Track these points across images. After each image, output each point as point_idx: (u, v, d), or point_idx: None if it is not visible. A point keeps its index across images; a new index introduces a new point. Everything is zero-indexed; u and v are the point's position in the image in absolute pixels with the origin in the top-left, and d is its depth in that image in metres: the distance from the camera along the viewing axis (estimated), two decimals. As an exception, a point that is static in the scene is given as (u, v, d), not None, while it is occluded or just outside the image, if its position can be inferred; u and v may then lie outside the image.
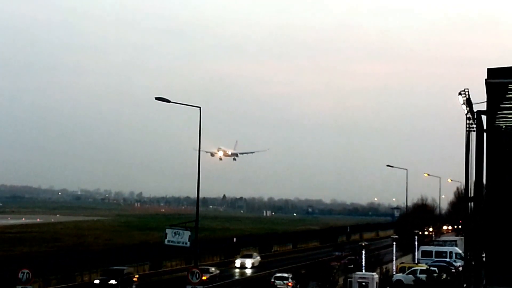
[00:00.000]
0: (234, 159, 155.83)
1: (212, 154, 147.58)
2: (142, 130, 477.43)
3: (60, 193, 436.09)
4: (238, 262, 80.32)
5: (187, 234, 38.43)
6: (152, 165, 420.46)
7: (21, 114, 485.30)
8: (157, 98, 40.02)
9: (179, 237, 38.48)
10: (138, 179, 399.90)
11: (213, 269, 65.90)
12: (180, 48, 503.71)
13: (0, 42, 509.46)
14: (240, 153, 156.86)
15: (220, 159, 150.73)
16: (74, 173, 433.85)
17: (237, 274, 76.11)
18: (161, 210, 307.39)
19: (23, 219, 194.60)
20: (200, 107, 40.59)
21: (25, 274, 37.20)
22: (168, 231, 38.75)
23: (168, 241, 38.69)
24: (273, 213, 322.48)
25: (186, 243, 38.39)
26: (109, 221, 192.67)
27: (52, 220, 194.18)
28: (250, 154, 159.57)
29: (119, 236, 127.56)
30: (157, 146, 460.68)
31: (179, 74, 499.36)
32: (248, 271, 77.86)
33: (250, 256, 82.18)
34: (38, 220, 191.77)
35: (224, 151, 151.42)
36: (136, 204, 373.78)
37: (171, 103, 40.45)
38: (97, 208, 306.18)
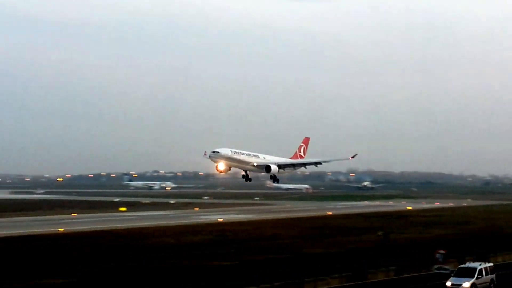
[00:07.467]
0: (276, 180, 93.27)
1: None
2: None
3: (469, 179, 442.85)
4: None
5: None
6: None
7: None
8: None
9: None
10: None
11: None
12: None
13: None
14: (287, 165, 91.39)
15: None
16: (482, 160, 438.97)
17: None
18: None
19: (436, 203, 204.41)
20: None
21: (442, 254, 43.57)
22: None
23: None
24: None
25: None
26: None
27: (464, 204, 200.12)
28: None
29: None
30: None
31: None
32: None
33: None
34: (450, 204, 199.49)
35: (228, 159, 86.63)
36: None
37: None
38: (507, 192, 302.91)
